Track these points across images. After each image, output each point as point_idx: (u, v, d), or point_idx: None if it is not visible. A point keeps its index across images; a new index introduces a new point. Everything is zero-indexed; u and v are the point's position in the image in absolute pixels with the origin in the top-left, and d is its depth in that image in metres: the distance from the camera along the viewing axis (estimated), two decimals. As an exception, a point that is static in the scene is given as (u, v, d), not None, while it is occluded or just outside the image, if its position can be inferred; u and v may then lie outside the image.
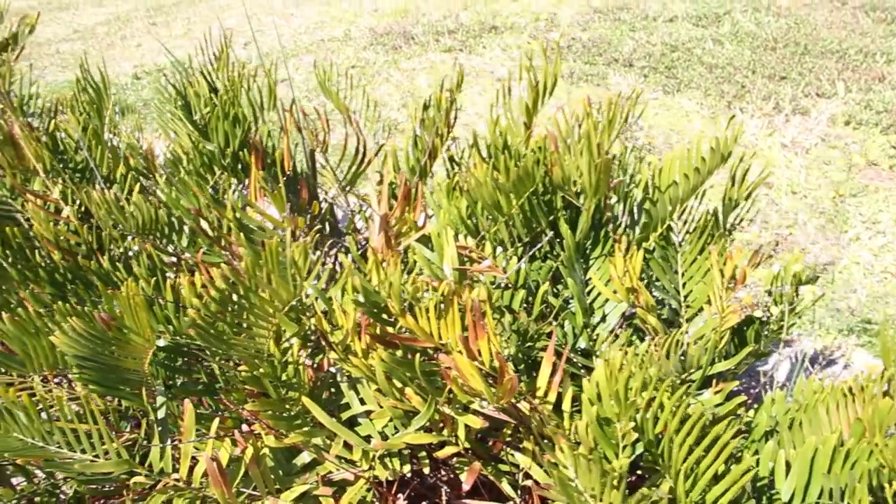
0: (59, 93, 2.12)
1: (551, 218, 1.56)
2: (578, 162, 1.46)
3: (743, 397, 1.46)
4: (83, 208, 1.85)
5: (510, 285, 1.54)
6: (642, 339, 1.63)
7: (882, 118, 3.61)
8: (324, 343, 1.28)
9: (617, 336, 1.62)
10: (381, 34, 4.65)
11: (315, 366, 1.37)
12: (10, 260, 1.43)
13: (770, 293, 1.67)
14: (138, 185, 2.03)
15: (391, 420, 1.37)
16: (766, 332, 1.65)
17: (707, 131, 3.52)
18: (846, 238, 2.88)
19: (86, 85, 2.21)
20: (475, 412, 1.30)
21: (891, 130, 3.55)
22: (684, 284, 1.66)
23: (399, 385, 1.30)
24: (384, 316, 1.26)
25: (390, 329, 1.31)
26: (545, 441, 1.50)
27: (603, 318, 1.60)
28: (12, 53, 3.41)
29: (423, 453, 1.47)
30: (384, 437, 1.37)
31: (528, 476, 1.48)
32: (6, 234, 1.71)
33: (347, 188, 1.87)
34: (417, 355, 1.23)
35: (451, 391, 1.32)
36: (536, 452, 1.44)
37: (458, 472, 1.51)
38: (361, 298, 1.25)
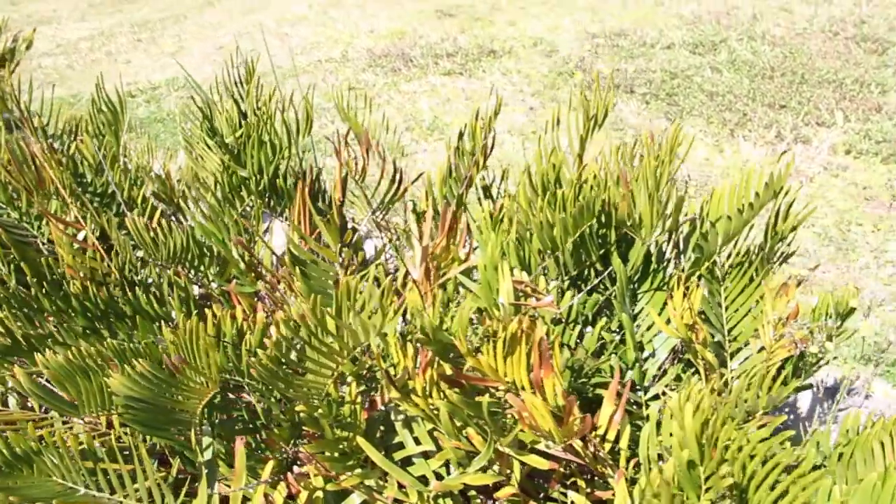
0: (50, 110, 2.05)
1: (601, 252, 1.53)
2: (638, 197, 1.43)
3: (792, 431, 1.43)
4: (100, 235, 1.78)
5: (562, 320, 1.50)
6: (691, 375, 1.60)
7: (882, 148, 3.63)
8: (384, 382, 1.23)
9: (665, 371, 1.59)
10: (379, 56, 4.62)
11: (368, 405, 1.32)
12: (43, 291, 1.36)
13: (807, 327, 1.64)
14: (158, 211, 1.97)
15: (446, 461, 1.32)
16: (803, 366, 1.63)
17: (713, 159, 3.53)
18: (856, 267, 2.88)
19: (101, 104, 2.15)
20: (540, 452, 1.26)
21: (891, 160, 3.58)
22: (728, 319, 1.64)
23: (458, 425, 1.25)
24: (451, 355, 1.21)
25: (448, 368, 1.26)
26: (597, 480, 1.45)
27: (652, 354, 1.56)
28: (8, 69, 3.33)
29: (473, 493, 1.42)
30: (439, 478, 1.32)
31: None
32: (37, 263, 1.64)
33: (381, 217, 1.82)
34: (486, 395, 1.18)
35: (510, 431, 1.27)
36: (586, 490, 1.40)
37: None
38: (424, 337, 1.20)
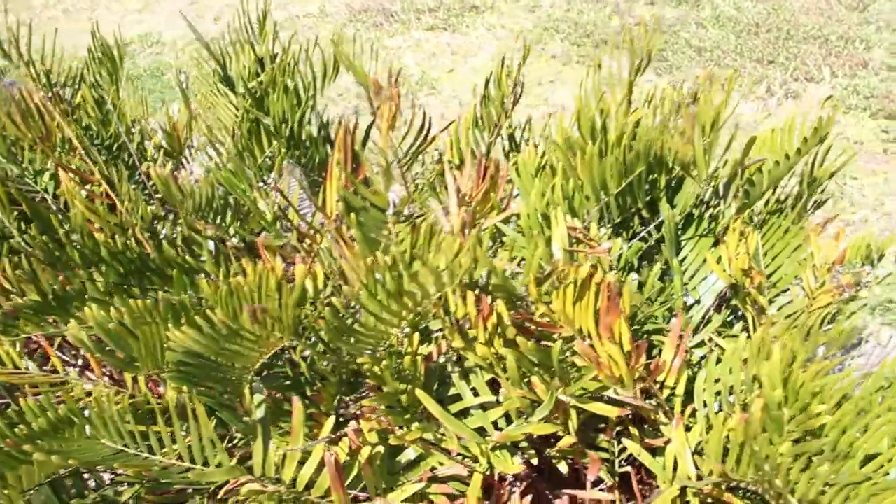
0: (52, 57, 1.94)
1: (648, 198, 1.49)
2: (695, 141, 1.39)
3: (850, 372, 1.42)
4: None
5: (612, 267, 1.46)
6: (735, 322, 1.58)
7: (871, 103, 3.65)
8: (446, 331, 1.18)
9: (710, 319, 1.57)
10: (358, 11, 4.50)
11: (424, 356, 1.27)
12: (73, 244, 1.28)
13: (852, 272, 1.62)
14: (170, 163, 1.89)
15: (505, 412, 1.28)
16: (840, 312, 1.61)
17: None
18: (857, 219, 2.90)
19: (100, 54, 2.04)
20: (602, 400, 1.22)
21: (879, 115, 3.59)
22: (765, 266, 1.61)
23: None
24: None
25: (508, 316, 1.21)
26: (646, 427, 1.43)
27: (697, 301, 1.54)
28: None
29: (524, 445, 1.39)
30: (497, 429, 1.28)
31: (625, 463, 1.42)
32: (48, 219, 1.55)
33: (406, 167, 1.76)
34: (559, 342, 1.14)
35: (573, 379, 1.24)
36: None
37: (556, 462, 1.42)
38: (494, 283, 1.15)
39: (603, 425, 1.45)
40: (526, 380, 1.20)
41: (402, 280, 0.95)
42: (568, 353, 1.23)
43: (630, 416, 1.42)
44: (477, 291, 1.19)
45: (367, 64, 1.72)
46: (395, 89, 1.64)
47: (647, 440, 1.38)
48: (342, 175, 1.44)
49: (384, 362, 1.12)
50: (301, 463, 1.15)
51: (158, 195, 1.83)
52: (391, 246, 1.20)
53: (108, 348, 1.02)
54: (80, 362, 1.70)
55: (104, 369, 1.55)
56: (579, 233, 1.38)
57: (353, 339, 1.06)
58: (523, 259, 1.51)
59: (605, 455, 1.39)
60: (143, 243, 1.38)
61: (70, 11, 6.17)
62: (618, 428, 1.43)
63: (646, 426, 1.43)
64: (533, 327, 1.19)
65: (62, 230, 1.57)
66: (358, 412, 1.41)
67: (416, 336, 1.17)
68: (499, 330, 1.19)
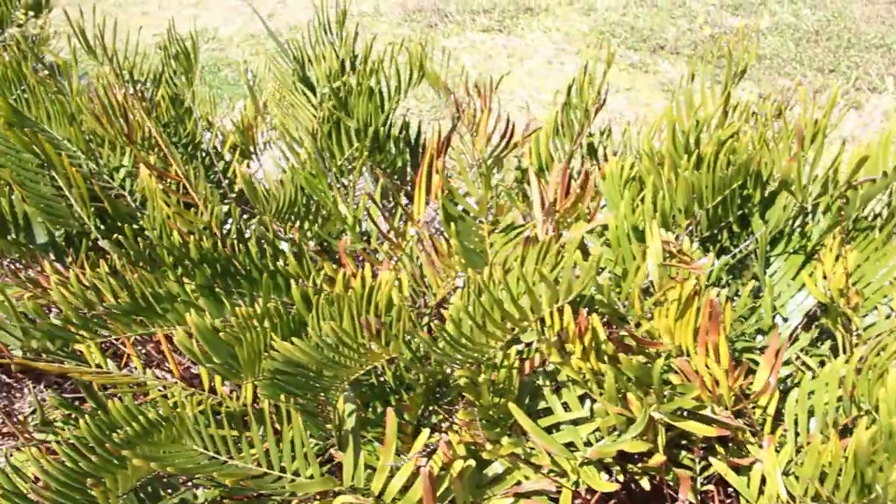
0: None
1: (740, 212, 1.46)
2: (784, 156, 1.36)
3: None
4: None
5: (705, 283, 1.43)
6: (823, 341, 1.54)
7: (936, 115, 3.56)
8: (542, 345, 1.16)
9: (797, 337, 1.53)
10: (412, 10, 4.49)
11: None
12: (165, 245, 1.27)
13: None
14: (245, 163, 1.89)
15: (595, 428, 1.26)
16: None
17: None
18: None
19: (173, 50, 2.04)
20: (706, 418, 1.20)
21: (945, 127, 3.50)
22: (853, 283, 1.57)
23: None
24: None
25: (602, 331, 1.19)
26: (731, 446, 1.40)
27: (785, 319, 1.50)
28: (46, 16, 3.20)
29: (610, 461, 1.36)
30: (587, 445, 1.26)
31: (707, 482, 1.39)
32: (128, 218, 1.55)
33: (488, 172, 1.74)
34: (660, 360, 1.11)
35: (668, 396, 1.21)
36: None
37: (638, 478, 1.40)
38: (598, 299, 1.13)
39: (684, 442, 1.42)
40: (620, 396, 1.18)
41: (513, 295, 0.93)
42: (664, 371, 1.21)
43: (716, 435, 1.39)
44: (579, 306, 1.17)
45: (438, 67, 1.71)
46: (487, 101, 1.63)
47: (732, 459, 1.35)
48: (436, 181, 1.43)
49: (483, 376, 1.10)
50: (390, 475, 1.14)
51: (233, 194, 1.83)
52: (490, 257, 1.18)
53: (210, 355, 1.01)
54: (151, 361, 1.70)
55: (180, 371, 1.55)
56: (673, 247, 1.35)
57: (455, 353, 1.04)
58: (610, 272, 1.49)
59: (688, 473, 1.36)
60: (228, 245, 1.37)
61: (122, 5, 6.23)
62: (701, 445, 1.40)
63: (730, 444, 1.40)
64: (633, 343, 1.16)
65: (150, 230, 1.57)
66: (438, 422, 1.39)
67: (514, 350, 1.15)
68: (595, 345, 1.17)
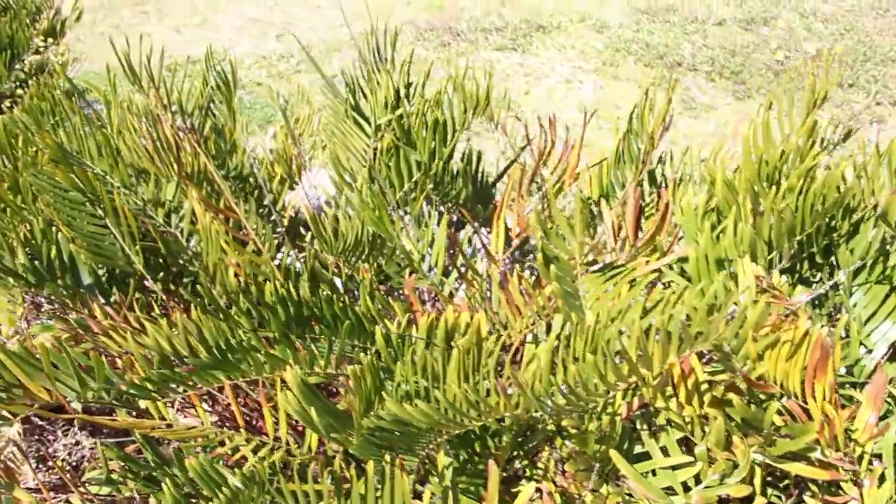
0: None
1: (825, 243, 1.41)
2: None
3: None
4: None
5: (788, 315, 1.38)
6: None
7: (959, 128, 3.55)
8: (645, 389, 1.11)
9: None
10: (424, 29, 4.45)
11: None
12: (239, 293, 1.21)
13: None
14: (293, 195, 1.83)
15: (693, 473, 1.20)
16: None
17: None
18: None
19: (216, 79, 1.99)
20: (816, 462, 1.14)
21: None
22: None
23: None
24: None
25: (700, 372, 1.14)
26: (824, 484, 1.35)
27: (869, 350, 1.45)
28: (61, 40, 3.13)
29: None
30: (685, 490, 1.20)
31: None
32: (181, 257, 1.49)
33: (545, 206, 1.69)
34: (774, 402, 1.06)
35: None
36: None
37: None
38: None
39: (770, 478, 1.37)
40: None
41: (629, 345, 0.87)
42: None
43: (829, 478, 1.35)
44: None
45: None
46: (555, 130, 1.58)
47: (827, 498, 1.30)
48: (520, 216, 1.37)
49: (589, 424, 1.05)
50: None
51: (280, 228, 1.77)
52: (588, 300, 1.13)
53: (308, 414, 0.95)
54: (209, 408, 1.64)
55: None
56: (763, 281, 1.30)
57: (562, 402, 0.98)
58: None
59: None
60: (300, 286, 1.31)
61: (119, 27, 6.17)
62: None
63: (822, 482, 1.35)
64: (742, 386, 1.11)
65: (203, 269, 1.51)
66: (522, 467, 1.33)
67: (619, 395, 1.09)
68: (698, 387, 1.12)
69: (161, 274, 1.68)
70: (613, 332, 0.98)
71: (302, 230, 1.80)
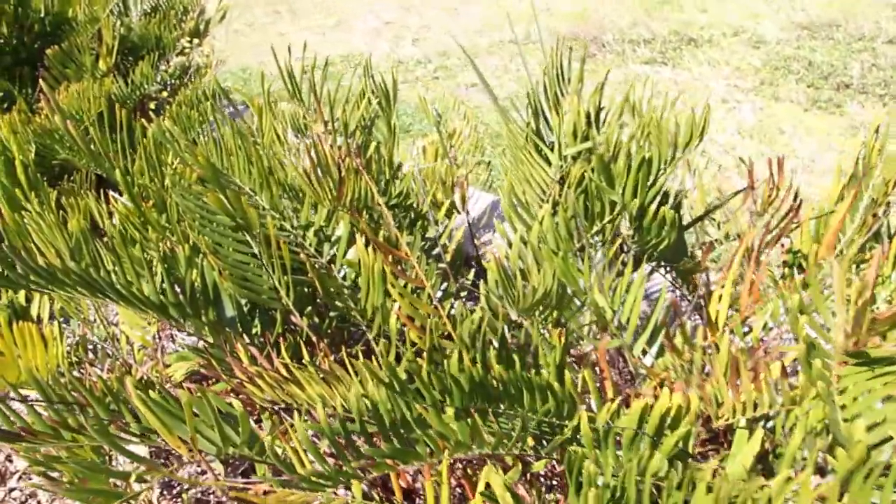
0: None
1: None
2: None
3: None
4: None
5: None
6: None
7: None
8: None
9: None
10: (567, 38, 4.21)
11: None
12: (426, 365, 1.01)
13: None
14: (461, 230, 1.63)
15: None
16: None
17: None
18: None
19: (376, 90, 1.81)
20: None
21: None
22: None
23: None
24: None
25: None
26: None
27: None
28: (205, 41, 3.04)
29: None
30: None
31: None
32: (340, 299, 1.31)
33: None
34: None
35: None
36: None
37: None
38: None
39: None
40: None
41: None
42: None
43: None
44: None
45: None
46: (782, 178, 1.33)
47: None
48: (753, 286, 1.13)
49: None
50: None
51: (444, 263, 1.57)
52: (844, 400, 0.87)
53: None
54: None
55: None
56: None
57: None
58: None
59: None
60: (481, 349, 1.10)
61: (252, 25, 6.17)
62: None
63: None
64: None
65: (361, 314, 1.33)
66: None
67: None
68: None
69: (307, 308, 1.51)
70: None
71: (465, 267, 1.60)
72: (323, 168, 1.39)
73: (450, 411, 1.07)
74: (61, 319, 1.77)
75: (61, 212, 1.64)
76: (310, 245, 1.48)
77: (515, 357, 1.13)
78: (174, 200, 1.50)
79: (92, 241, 1.29)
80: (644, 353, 1.32)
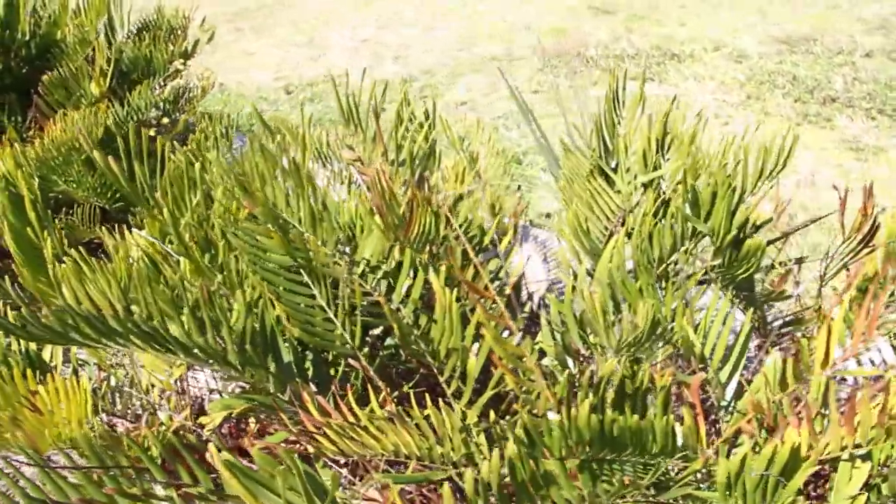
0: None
1: None
2: None
3: None
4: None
5: None
6: None
7: None
8: None
9: None
10: (552, 55, 4.18)
11: None
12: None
13: None
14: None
15: None
16: None
17: None
18: None
19: (405, 114, 1.73)
20: None
21: None
22: None
23: None
24: None
25: None
26: None
27: None
28: (185, 62, 2.93)
29: None
30: None
31: None
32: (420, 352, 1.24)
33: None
34: None
35: None
36: None
37: None
38: None
39: None
40: None
41: None
42: None
43: None
44: None
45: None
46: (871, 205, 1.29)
47: None
48: (872, 321, 1.08)
49: None
50: None
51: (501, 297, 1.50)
52: None
53: None
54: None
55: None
56: None
57: None
58: None
59: None
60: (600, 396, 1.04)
61: (218, 44, 6.02)
62: None
63: None
64: None
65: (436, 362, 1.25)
66: None
67: None
68: None
69: (366, 348, 1.43)
70: None
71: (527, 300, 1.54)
72: (387, 203, 1.32)
73: (571, 463, 1.01)
74: (79, 365, 1.66)
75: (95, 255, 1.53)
76: (375, 285, 1.40)
77: (628, 401, 1.07)
78: (220, 239, 1.41)
79: (151, 287, 1.19)
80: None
